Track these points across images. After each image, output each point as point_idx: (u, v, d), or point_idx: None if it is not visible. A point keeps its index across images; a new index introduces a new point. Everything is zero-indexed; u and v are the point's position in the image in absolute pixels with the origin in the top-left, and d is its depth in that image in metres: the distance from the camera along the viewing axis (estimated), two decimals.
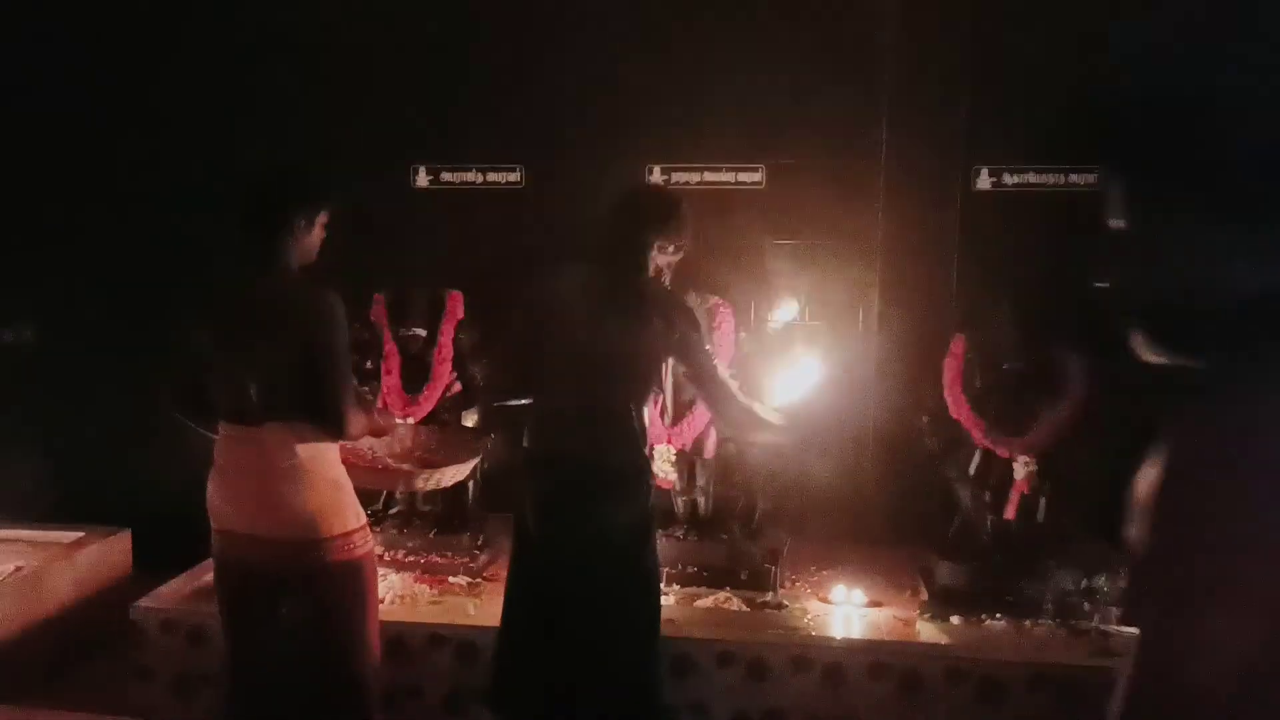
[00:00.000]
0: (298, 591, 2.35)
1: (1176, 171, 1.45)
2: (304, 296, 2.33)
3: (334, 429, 2.33)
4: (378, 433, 2.57)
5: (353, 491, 2.45)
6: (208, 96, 4.13)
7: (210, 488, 2.44)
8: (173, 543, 3.51)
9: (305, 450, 2.34)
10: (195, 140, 4.12)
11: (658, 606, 2.64)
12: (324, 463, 2.38)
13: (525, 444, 2.65)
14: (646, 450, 2.64)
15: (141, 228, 4.19)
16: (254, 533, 2.35)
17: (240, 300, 2.36)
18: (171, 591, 3.19)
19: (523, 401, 2.69)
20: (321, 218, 2.42)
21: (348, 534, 2.38)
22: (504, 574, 3.38)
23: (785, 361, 2.98)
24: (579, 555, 2.54)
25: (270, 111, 4.05)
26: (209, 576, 3.30)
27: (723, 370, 2.64)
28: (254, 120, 4.06)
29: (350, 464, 2.49)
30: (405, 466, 2.88)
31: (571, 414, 2.54)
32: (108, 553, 3.82)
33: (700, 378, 2.59)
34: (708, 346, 2.65)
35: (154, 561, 3.72)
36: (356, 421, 2.34)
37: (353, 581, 2.40)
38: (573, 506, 2.54)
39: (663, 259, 2.63)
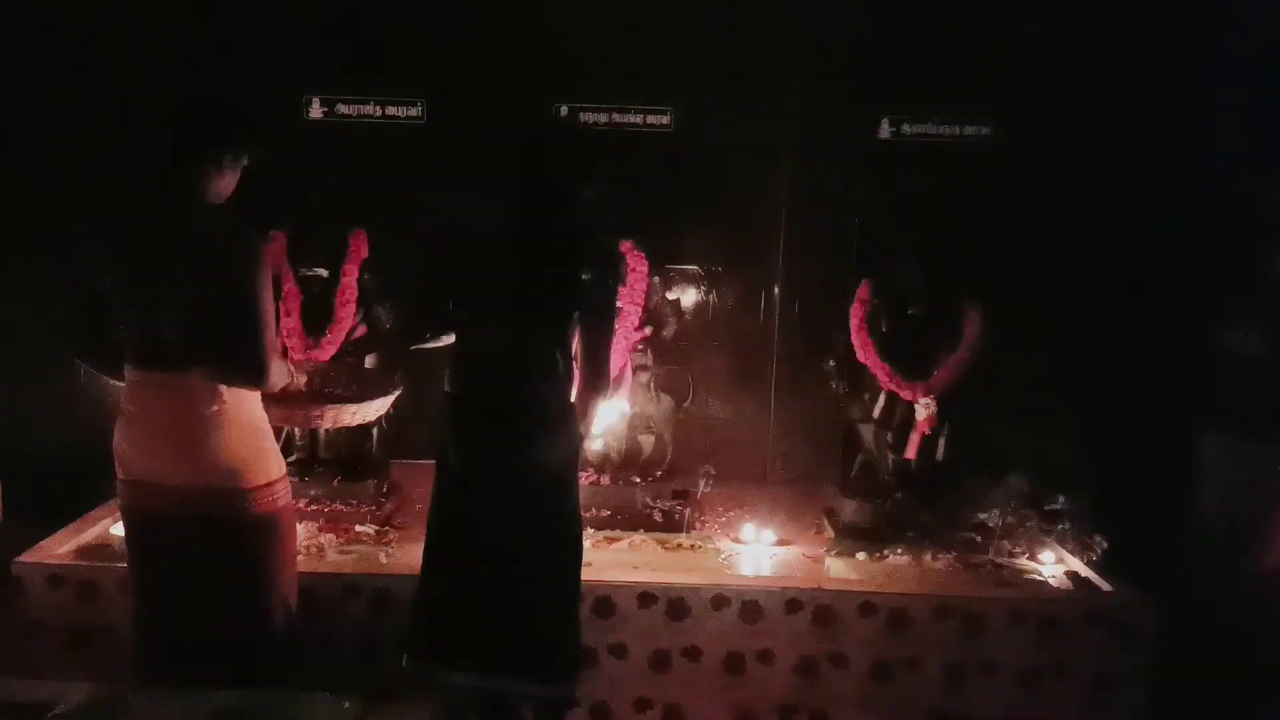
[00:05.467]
0: (218, 543, 2.24)
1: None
2: (229, 234, 2.19)
3: (254, 377, 2.21)
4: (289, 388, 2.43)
5: (274, 439, 2.35)
6: (92, 20, 3.80)
7: (119, 436, 2.29)
8: (45, 493, 3.32)
9: (231, 396, 2.23)
10: (73, 68, 3.81)
11: (580, 549, 2.65)
12: (248, 409, 2.27)
13: (447, 387, 2.59)
14: (572, 393, 2.62)
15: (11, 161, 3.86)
16: (171, 483, 2.23)
17: (158, 238, 2.19)
18: (56, 544, 3.00)
19: (441, 344, 2.63)
20: (244, 159, 2.30)
21: (270, 484, 2.30)
22: (411, 521, 3.37)
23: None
24: (503, 498, 2.51)
25: (156, 35, 3.77)
26: (95, 529, 3.16)
27: (611, 350, 2.58)
28: (140, 46, 3.76)
29: (272, 399, 2.38)
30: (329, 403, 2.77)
31: (496, 357, 2.50)
32: None
33: (594, 344, 2.52)
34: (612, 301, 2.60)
35: (24, 513, 3.50)
36: (278, 371, 2.24)
37: (274, 533, 2.32)
38: (497, 450, 2.51)
39: (584, 202, 2.59)
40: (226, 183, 2.29)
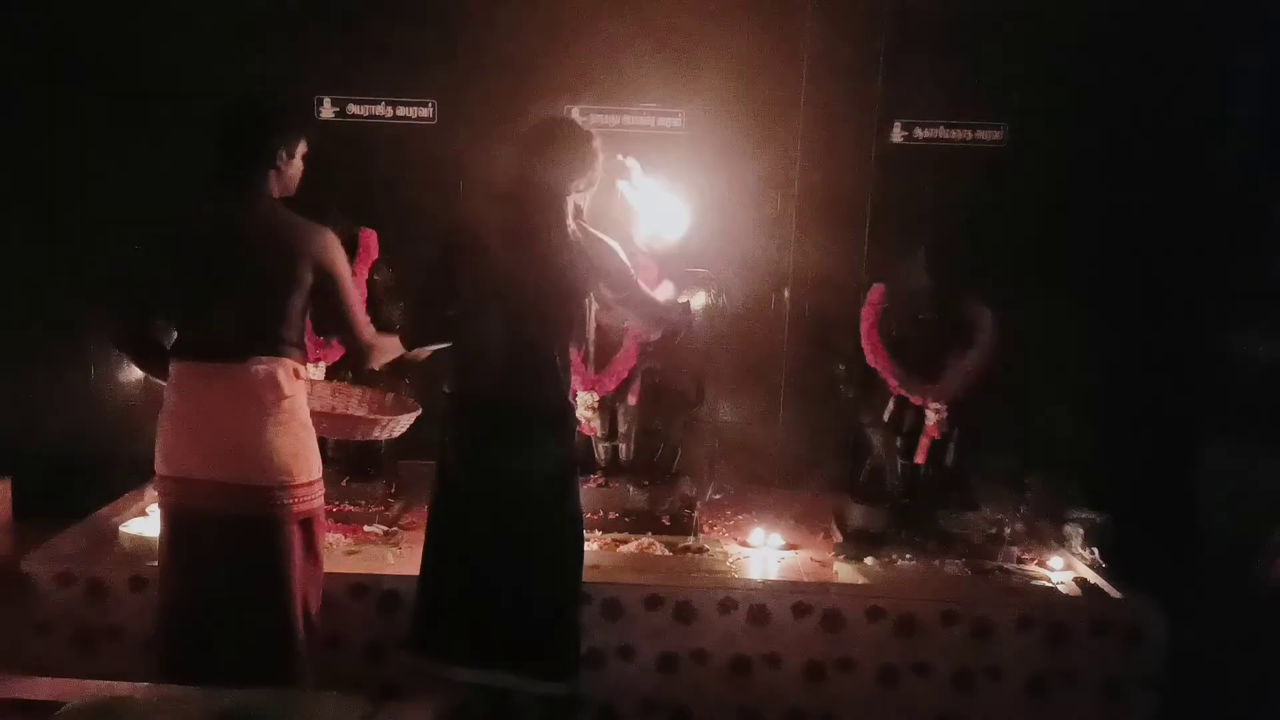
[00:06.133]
0: (256, 540, 2.26)
1: None
2: (306, 226, 2.29)
3: (362, 355, 2.41)
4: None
5: (316, 439, 2.39)
6: (104, 21, 3.83)
7: (164, 432, 2.31)
8: (54, 492, 3.34)
9: (291, 388, 2.27)
10: (88, 67, 3.82)
11: (580, 548, 2.67)
12: (301, 405, 2.31)
13: (447, 387, 2.61)
14: (570, 393, 2.62)
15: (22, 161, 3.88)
16: (216, 478, 2.24)
17: (228, 231, 2.25)
18: (65, 543, 3.00)
19: (443, 345, 2.64)
20: (302, 148, 2.36)
21: (311, 483, 2.34)
22: (420, 522, 3.36)
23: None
24: (503, 498, 2.54)
25: (169, 37, 3.79)
26: (105, 528, 3.15)
27: (639, 284, 2.67)
28: (154, 48, 3.79)
29: (313, 411, 2.42)
30: (363, 414, 2.80)
31: (494, 356, 2.51)
32: None
33: (625, 299, 2.64)
34: (622, 265, 2.62)
35: (33, 511, 3.51)
36: (383, 345, 2.44)
37: (309, 532, 2.35)
38: (497, 449, 2.54)
39: (578, 197, 2.59)
40: (289, 177, 2.36)
